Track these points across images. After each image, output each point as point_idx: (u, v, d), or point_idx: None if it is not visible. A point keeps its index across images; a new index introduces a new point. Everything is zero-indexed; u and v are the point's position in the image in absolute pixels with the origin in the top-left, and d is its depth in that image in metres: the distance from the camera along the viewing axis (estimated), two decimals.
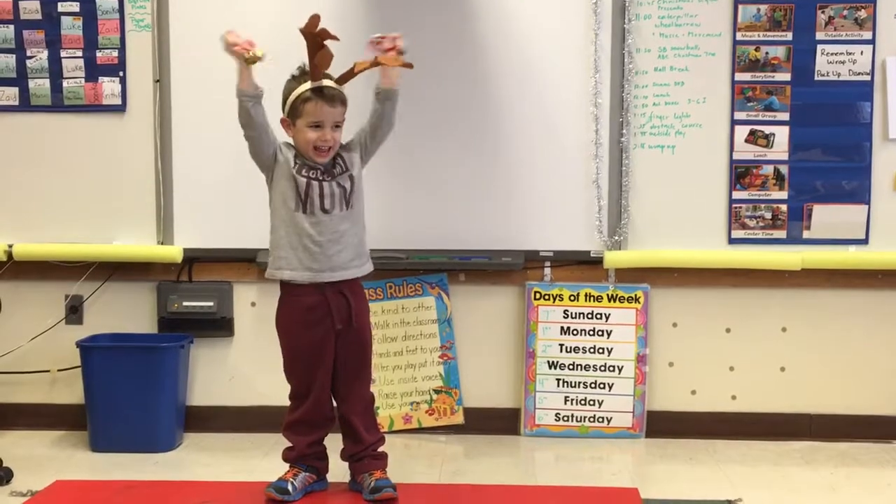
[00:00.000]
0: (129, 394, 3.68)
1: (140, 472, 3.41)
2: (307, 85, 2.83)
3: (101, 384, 3.71)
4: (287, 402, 3.05)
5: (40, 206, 3.93)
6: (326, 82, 2.85)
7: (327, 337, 2.88)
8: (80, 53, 3.88)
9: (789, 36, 3.79)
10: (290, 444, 2.99)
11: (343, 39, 3.79)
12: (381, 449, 3.04)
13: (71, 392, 3.94)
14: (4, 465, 3.35)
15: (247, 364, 3.92)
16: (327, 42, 2.82)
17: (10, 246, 3.87)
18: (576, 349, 3.91)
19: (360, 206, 2.96)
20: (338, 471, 3.12)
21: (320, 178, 2.87)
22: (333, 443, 3.10)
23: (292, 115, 2.87)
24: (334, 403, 3.02)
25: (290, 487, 2.86)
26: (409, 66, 2.89)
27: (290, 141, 2.99)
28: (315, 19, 2.77)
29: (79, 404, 3.85)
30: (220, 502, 2.80)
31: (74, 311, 3.98)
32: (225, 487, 3.04)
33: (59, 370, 3.97)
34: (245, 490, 2.93)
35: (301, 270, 2.86)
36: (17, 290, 3.91)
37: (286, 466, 3.02)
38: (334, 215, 2.87)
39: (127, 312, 3.97)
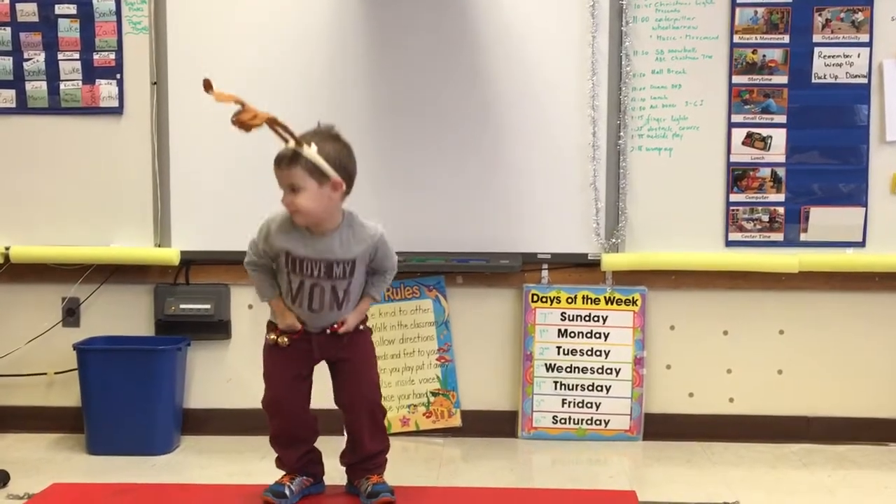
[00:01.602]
0: (127, 396, 3.68)
1: (137, 475, 3.41)
2: None
3: (98, 387, 3.70)
4: None
5: (37, 208, 3.93)
6: (285, 147, 2.71)
7: (304, 358, 2.85)
8: (77, 56, 3.88)
9: (786, 38, 3.79)
10: (277, 455, 2.94)
11: (340, 41, 3.81)
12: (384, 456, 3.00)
13: (68, 395, 3.93)
14: (1, 468, 3.34)
15: (244, 367, 3.91)
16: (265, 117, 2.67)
17: (7, 248, 3.87)
18: (573, 351, 3.91)
19: (356, 298, 2.87)
20: (335, 473, 3.11)
21: (316, 276, 2.77)
22: (332, 444, 3.08)
23: None
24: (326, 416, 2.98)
25: (286, 491, 2.83)
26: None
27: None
28: (205, 85, 2.69)
29: (76, 407, 3.84)
30: None
31: (71, 314, 3.98)
32: (223, 490, 3.03)
33: (55, 373, 3.96)
34: (243, 493, 2.92)
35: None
36: (13, 293, 3.90)
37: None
38: (323, 313, 2.83)
39: (124, 315, 3.97)
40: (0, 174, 3.92)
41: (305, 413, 2.90)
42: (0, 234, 3.87)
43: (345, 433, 2.98)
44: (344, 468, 3.01)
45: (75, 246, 3.89)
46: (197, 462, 3.65)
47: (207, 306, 3.93)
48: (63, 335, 3.94)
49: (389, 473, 3.09)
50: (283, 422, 2.86)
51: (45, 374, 3.97)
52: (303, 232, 2.74)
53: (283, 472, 2.95)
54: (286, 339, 2.78)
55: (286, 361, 2.83)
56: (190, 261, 3.93)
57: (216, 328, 3.95)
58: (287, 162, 2.69)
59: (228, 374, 3.98)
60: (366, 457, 2.89)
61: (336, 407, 2.97)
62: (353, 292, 2.83)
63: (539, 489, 3.27)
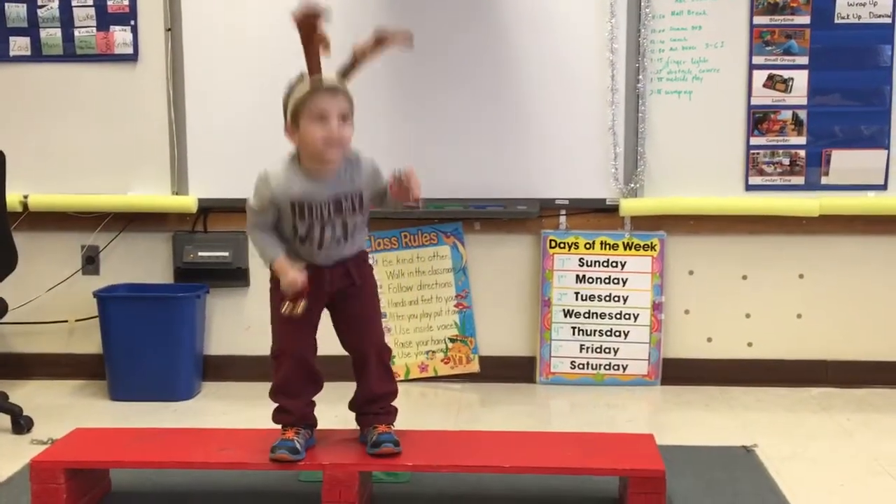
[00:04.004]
0: (147, 343, 3.71)
1: (159, 421, 3.45)
2: (306, 83, 2.69)
3: (119, 334, 3.74)
4: None
5: (55, 156, 3.94)
6: (327, 76, 2.71)
7: (318, 294, 2.80)
8: (91, 2, 3.85)
9: None
10: (280, 406, 2.89)
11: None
12: (392, 404, 2.96)
13: (89, 342, 3.97)
14: (25, 413, 3.39)
15: (263, 313, 3.86)
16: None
17: (26, 197, 3.88)
18: (591, 297, 3.91)
19: (364, 228, 2.82)
20: (349, 417, 3.08)
21: (326, 216, 2.69)
22: (340, 390, 3.05)
23: (295, 119, 2.72)
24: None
25: (298, 446, 2.80)
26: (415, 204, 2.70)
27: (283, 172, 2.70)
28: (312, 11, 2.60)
29: (97, 354, 3.88)
30: (238, 449, 2.81)
31: (91, 262, 4.00)
32: (244, 435, 3.05)
33: (77, 320, 4.00)
34: (264, 437, 2.94)
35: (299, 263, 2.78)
36: (33, 241, 3.91)
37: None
38: (332, 246, 2.76)
39: (143, 263, 3.99)
40: (17, 123, 3.93)
41: (315, 359, 2.87)
42: (19, 183, 3.86)
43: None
44: (354, 416, 2.97)
45: (93, 194, 3.90)
46: (218, 408, 3.68)
47: (226, 254, 3.94)
48: (83, 283, 3.96)
49: (408, 418, 3.08)
50: (297, 369, 2.83)
51: (66, 321, 4.01)
52: (304, 177, 2.69)
53: (281, 427, 2.88)
54: (301, 305, 2.71)
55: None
56: (208, 208, 3.94)
57: (234, 275, 3.97)
58: (344, 93, 2.63)
59: (247, 320, 4.00)
60: (372, 398, 2.85)
61: (337, 353, 2.93)
62: (360, 225, 2.78)
63: (557, 432, 3.29)
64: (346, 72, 2.67)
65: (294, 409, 2.81)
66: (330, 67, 2.64)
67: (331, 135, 2.60)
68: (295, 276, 2.65)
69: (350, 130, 2.66)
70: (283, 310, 2.70)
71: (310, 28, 2.57)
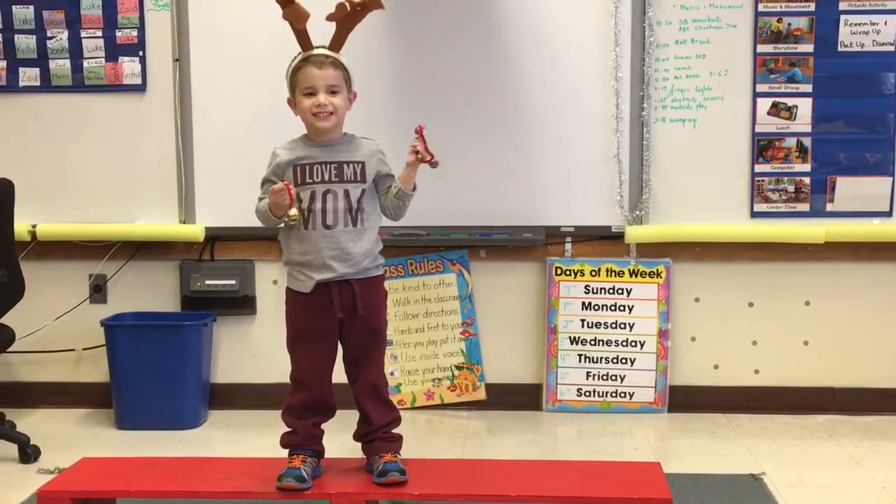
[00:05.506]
0: (154, 372, 3.72)
1: (166, 450, 3.45)
2: (298, 57, 2.80)
3: (126, 362, 3.74)
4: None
5: (63, 186, 3.96)
6: (318, 50, 2.80)
7: (328, 322, 2.80)
8: (99, 33, 3.89)
9: (812, 6, 3.74)
10: (290, 429, 2.90)
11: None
12: (395, 431, 2.96)
13: (96, 370, 3.98)
14: (32, 442, 3.39)
15: (270, 341, 3.94)
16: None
17: (34, 226, 3.90)
18: (597, 324, 3.91)
19: (372, 224, 2.84)
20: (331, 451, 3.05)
21: (328, 179, 2.77)
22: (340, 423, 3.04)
23: (292, 91, 2.81)
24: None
25: (304, 474, 2.80)
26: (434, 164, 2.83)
27: (286, 154, 2.77)
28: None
29: (104, 382, 3.89)
30: (246, 478, 2.80)
31: (98, 291, 4.01)
32: (251, 463, 3.05)
33: (84, 349, 4.01)
34: (272, 466, 2.94)
35: (307, 280, 2.78)
36: (41, 270, 3.93)
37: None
38: (338, 231, 2.77)
39: (150, 291, 4.00)
40: (25, 152, 3.95)
41: (330, 384, 2.88)
42: (27, 212, 3.88)
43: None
44: (360, 445, 2.97)
45: (101, 223, 3.92)
46: (225, 436, 3.68)
47: (233, 282, 3.95)
48: (90, 311, 3.98)
49: (414, 446, 3.08)
50: (308, 397, 2.84)
51: (74, 350, 4.02)
52: (306, 143, 2.78)
53: (288, 452, 2.88)
54: (294, 210, 2.70)
55: (311, 330, 2.80)
56: (215, 237, 3.95)
57: (241, 303, 3.98)
58: (331, 63, 2.75)
59: (254, 348, 4.01)
60: (374, 429, 2.86)
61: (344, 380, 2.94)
62: (367, 208, 2.78)
63: (564, 461, 3.28)
64: (335, 42, 2.76)
65: (301, 430, 2.81)
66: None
67: (318, 106, 2.69)
68: (275, 188, 2.69)
69: (340, 99, 2.75)
70: (288, 223, 2.71)
71: (285, 3, 2.69)
